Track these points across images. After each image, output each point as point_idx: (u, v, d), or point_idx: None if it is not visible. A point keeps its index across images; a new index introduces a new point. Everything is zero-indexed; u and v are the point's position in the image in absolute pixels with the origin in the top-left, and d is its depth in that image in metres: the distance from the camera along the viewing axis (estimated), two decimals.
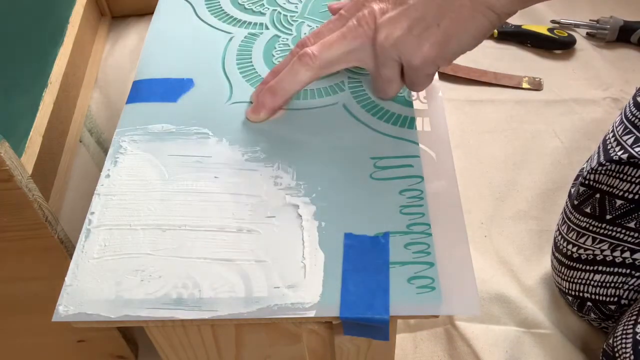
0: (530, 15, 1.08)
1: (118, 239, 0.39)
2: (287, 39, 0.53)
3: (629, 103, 0.60)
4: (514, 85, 0.98)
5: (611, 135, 0.60)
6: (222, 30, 0.54)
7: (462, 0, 0.40)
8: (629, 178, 0.58)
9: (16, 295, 0.56)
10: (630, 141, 0.57)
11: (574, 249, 0.65)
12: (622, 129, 0.59)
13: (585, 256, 0.64)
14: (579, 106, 0.95)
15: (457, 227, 0.40)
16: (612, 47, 1.05)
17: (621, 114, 0.60)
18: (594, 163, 0.60)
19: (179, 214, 0.40)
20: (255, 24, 0.55)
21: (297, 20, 0.55)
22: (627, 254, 0.61)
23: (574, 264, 0.66)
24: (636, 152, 0.56)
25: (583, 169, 0.63)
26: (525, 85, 0.98)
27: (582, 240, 0.64)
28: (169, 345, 0.41)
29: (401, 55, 0.43)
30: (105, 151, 0.89)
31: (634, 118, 0.58)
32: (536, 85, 0.98)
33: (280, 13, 0.55)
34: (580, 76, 1.00)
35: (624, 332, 0.56)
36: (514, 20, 1.04)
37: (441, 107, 0.48)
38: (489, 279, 0.74)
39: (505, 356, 0.67)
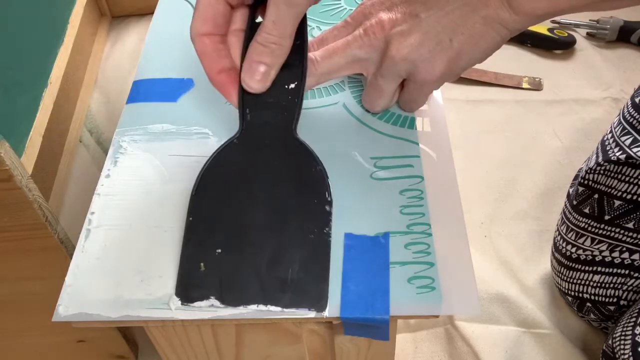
0: None
1: (118, 239, 0.39)
2: None
3: (627, 104, 0.60)
4: (514, 85, 0.98)
5: (609, 135, 0.60)
6: None
7: (475, 17, 0.39)
8: (627, 179, 0.58)
9: (16, 295, 0.56)
10: (628, 142, 0.57)
11: (573, 250, 0.65)
12: (620, 129, 0.59)
13: (585, 257, 0.64)
14: (579, 106, 0.95)
15: (457, 227, 0.40)
16: (612, 47, 1.05)
17: (619, 114, 0.61)
18: (592, 163, 0.60)
19: (179, 214, 0.40)
20: None
21: None
22: (625, 255, 0.61)
23: (573, 264, 0.66)
24: (634, 153, 0.56)
25: (581, 169, 0.63)
26: (525, 85, 0.98)
27: (581, 240, 0.64)
28: (169, 345, 0.41)
29: (411, 70, 0.42)
30: (105, 151, 0.89)
31: (632, 119, 0.58)
32: (536, 85, 0.98)
33: None
34: (580, 76, 1.00)
35: (623, 333, 0.56)
36: None
37: (441, 107, 0.48)
38: (489, 279, 0.74)
39: (505, 356, 0.68)
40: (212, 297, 0.36)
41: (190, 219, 0.38)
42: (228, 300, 0.36)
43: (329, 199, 0.38)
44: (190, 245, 0.37)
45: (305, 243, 0.37)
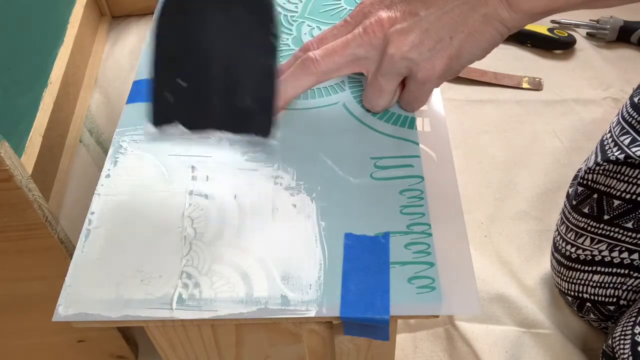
0: None
1: (118, 239, 0.39)
2: (287, 39, 0.53)
3: (626, 104, 0.60)
4: (514, 85, 0.98)
5: (608, 135, 0.60)
6: None
7: (475, 15, 0.40)
8: (626, 178, 0.58)
9: (16, 295, 0.56)
10: (627, 141, 0.57)
11: (573, 250, 0.65)
12: (619, 129, 0.59)
13: (584, 257, 0.64)
14: (579, 106, 0.95)
15: (457, 227, 0.40)
16: (612, 47, 1.05)
17: (618, 114, 0.61)
18: (591, 163, 0.60)
19: (179, 214, 0.40)
20: None
21: (297, 20, 0.55)
22: (625, 255, 0.61)
23: (573, 264, 0.66)
24: (633, 153, 0.56)
25: (580, 169, 0.63)
26: (525, 85, 0.98)
27: (580, 240, 0.64)
28: (169, 345, 0.41)
29: (411, 68, 0.42)
30: (105, 151, 0.89)
31: (630, 119, 0.58)
32: (536, 85, 0.98)
33: (280, 13, 0.55)
34: (580, 76, 1.00)
35: (623, 333, 0.56)
36: None
37: (441, 107, 0.48)
38: (489, 279, 0.74)
39: (505, 356, 0.67)
40: (177, 122, 0.40)
41: (154, 52, 0.40)
42: (190, 125, 0.40)
43: (275, 32, 0.40)
44: (157, 78, 0.40)
45: (254, 74, 0.40)
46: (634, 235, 0.60)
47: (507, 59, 1.02)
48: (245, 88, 0.40)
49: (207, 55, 0.40)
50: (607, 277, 0.63)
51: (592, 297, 0.65)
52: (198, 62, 0.40)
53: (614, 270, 0.63)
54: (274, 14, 0.40)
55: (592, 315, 0.67)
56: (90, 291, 0.36)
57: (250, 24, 0.40)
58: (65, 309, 0.36)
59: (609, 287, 0.64)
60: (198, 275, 0.37)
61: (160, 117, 0.40)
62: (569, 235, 0.65)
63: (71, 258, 0.38)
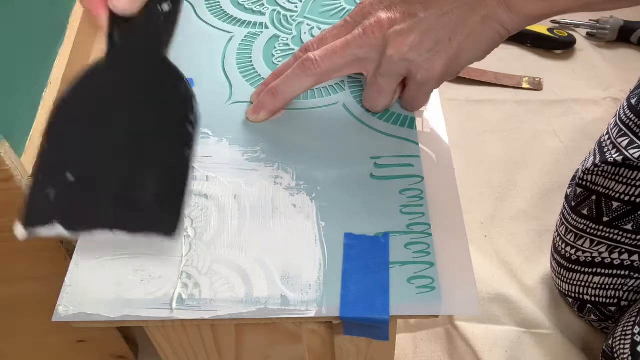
0: None
1: (118, 238, 0.39)
2: (287, 39, 0.53)
3: (623, 105, 0.60)
4: (514, 85, 0.98)
5: (607, 137, 0.60)
6: (222, 30, 0.54)
7: (474, 17, 0.40)
8: (624, 180, 0.58)
9: (16, 295, 0.56)
10: (624, 143, 0.57)
11: (573, 251, 0.65)
12: (616, 131, 0.59)
13: (584, 258, 0.64)
14: (579, 106, 0.95)
15: (457, 227, 0.40)
16: (612, 47, 1.05)
17: (616, 116, 0.60)
18: (589, 164, 0.60)
19: None
20: (255, 23, 0.54)
21: (297, 20, 0.55)
22: (625, 256, 0.61)
23: (573, 266, 0.66)
24: (631, 155, 0.56)
25: (578, 169, 0.63)
26: (525, 85, 0.98)
27: (580, 242, 0.64)
28: (169, 345, 0.41)
29: (411, 69, 0.42)
30: None
31: (628, 120, 0.58)
32: (536, 85, 0.98)
33: (280, 13, 0.55)
34: (580, 76, 1.00)
35: (623, 333, 0.56)
36: None
37: (441, 107, 0.48)
38: (489, 279, 0.74)
39: (505, 356, 0.67)
40: (55, 222, 0.35)
41: (46, 144, 0.37)
42: (73, 225, 0.35)
43: (193, 119, 0.37)
44: (41, 171, 0.36)
45: (163, 166, 0.36)
46: (633, 237, 0.60)
47: (507, 59, 1.02)
48: (150, 183, 0.35)
49: (109, 148, 0.36)
50: (607, 278, 0.63)
51: (592, 299, 0.65)
52: (97, 155, 0.36)
53: (614, 271, 0.63)
54: (194, 103, 0.37)
55: (592, 316, 0.67)
56: (90, 291, 0.36)
57: (165, 114, 0.37)
58: (65, 309, 0.36)
59: (609, 288, 0.64)
60: (198, 275, 0.37)
61: (35, 218, 0.35)
62: (568, 237, 0.65)
63: (71, 258, 0.38)
